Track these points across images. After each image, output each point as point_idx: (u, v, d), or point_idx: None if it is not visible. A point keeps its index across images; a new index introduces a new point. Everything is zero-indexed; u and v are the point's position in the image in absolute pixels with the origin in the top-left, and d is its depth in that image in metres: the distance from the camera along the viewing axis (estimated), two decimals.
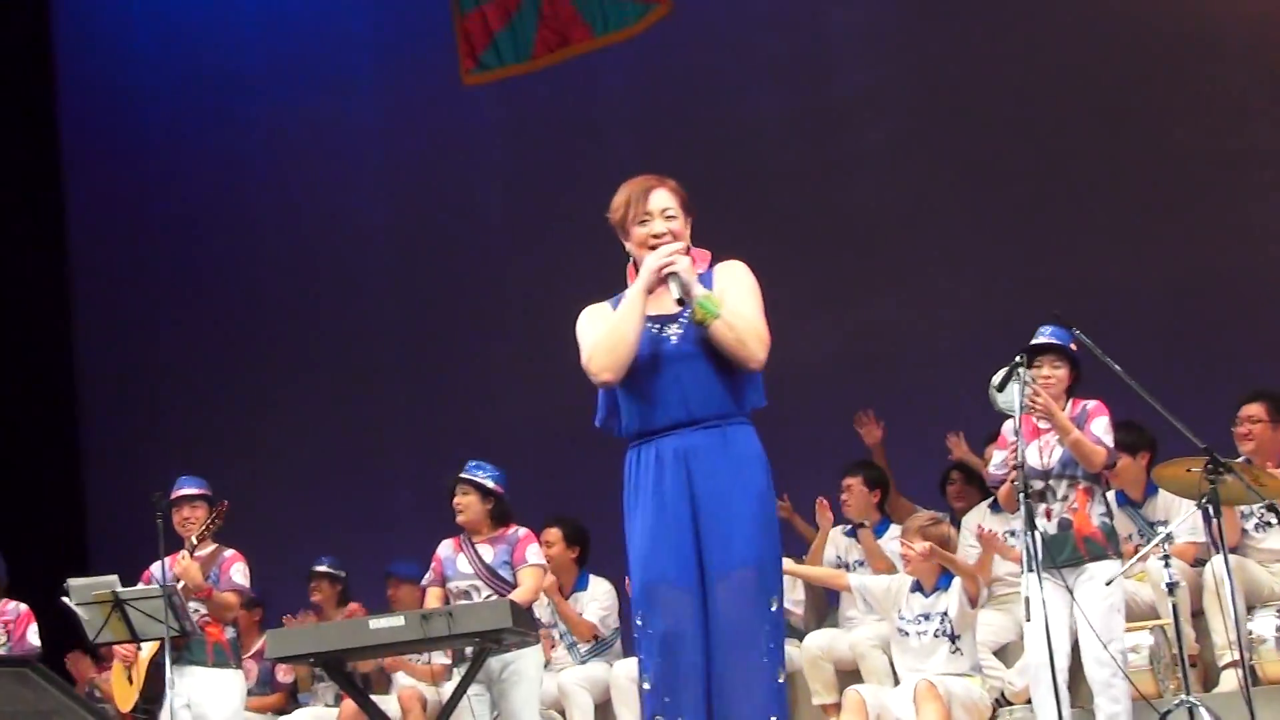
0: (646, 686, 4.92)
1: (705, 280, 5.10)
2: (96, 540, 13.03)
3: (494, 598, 8.10)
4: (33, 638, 9.03)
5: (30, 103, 13.71)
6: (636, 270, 5.13)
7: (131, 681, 8.89)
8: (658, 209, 5.12)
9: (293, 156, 13.30)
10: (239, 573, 8.76)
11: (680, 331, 5.05)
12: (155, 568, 8.69)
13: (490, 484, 8.48)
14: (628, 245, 5.19)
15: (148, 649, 8.69)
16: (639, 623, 4.97)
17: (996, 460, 7.73)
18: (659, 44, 12.10)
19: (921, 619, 8.23)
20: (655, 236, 5.10)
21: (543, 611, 9.48)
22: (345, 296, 13.03)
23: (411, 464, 12.36)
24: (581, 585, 9.75)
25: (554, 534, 9.61)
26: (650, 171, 5.25)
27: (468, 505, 8.47)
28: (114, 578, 8.50)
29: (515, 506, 8.64)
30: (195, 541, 8.63)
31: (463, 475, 8.54)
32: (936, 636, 8.16)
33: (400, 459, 12.55)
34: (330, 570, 10.55)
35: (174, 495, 8.81)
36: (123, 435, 13.30)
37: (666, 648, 4.88)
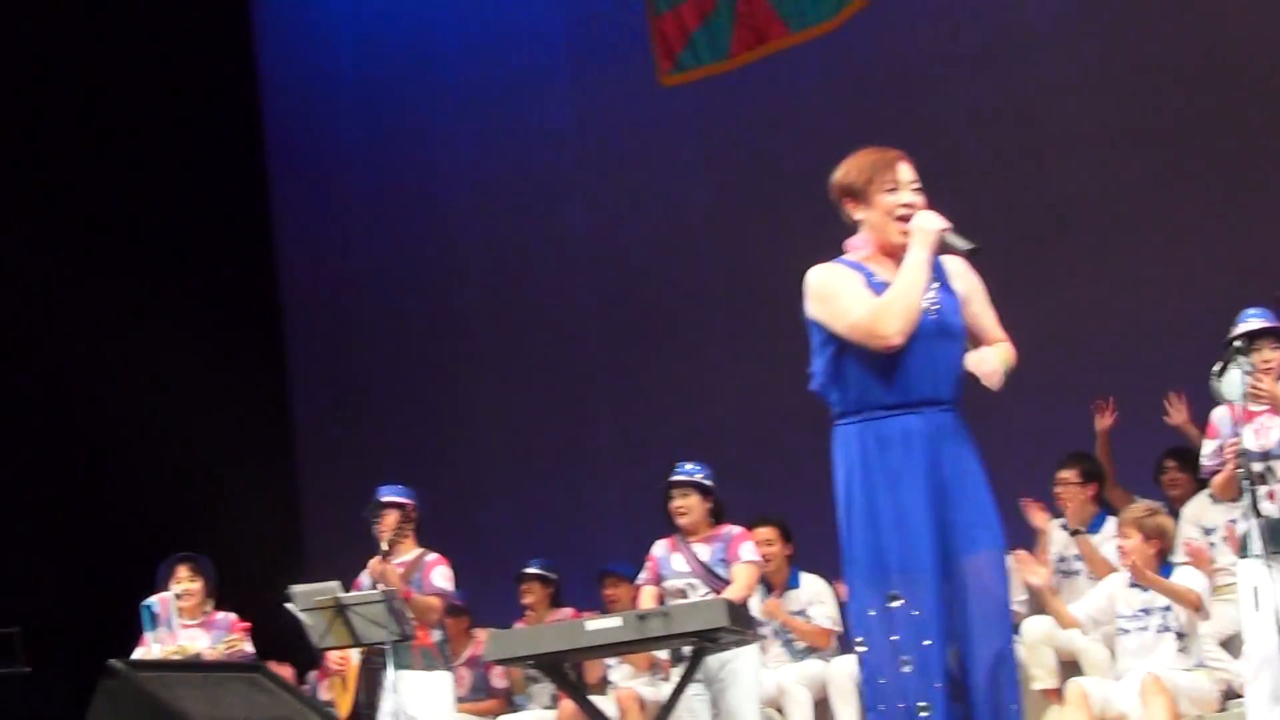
0: (908, 670, 4.76)
1: (935, 271, 5.01)
2: (312, 548, 13.26)
3: (710, 596, 8.10)
4: (248, 647, 9.20)
5: (236, 115, 14.00)
6: (867, 238, 5.02)
7: (347, 688, 9.04)
8: (906, 180, 5.01)
9: (489, 163, 13.43)
10: (441, 576, 8.86)
11: (937, 306, 4.95)
12: (364, 575, 8.84)
13: (709, 482, 8.48)
14: (859, 213, 5.05)
15: (357, 655, 8.82)
16: (892, 604, 4.80)
17: (1208, 450, 7.53)
18: (855, 37, 12.01)
19: (1141, 614, 8.07)
20: (905, 206, 4.98)
21: (756, 609, 9.45)
22: (548, 299, 13.12)
23: (618, 464, 12.42)
24: (793, 583, 9.72)
25: (771, 532, 9.58)
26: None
27: (690, 506, 8.46)
28: (336, 584, 8.64)
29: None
30: (386, 547, 8.74)
31: (680, 478, 8.51)
32: (1159, 632, 8.00)
33: (607, 459, 12.61)
34: (541, 572, 10.59)
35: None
36: (335, 445, 13.54)
37: (928, 629, 4.76)
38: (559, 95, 13.16)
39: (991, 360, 4.95)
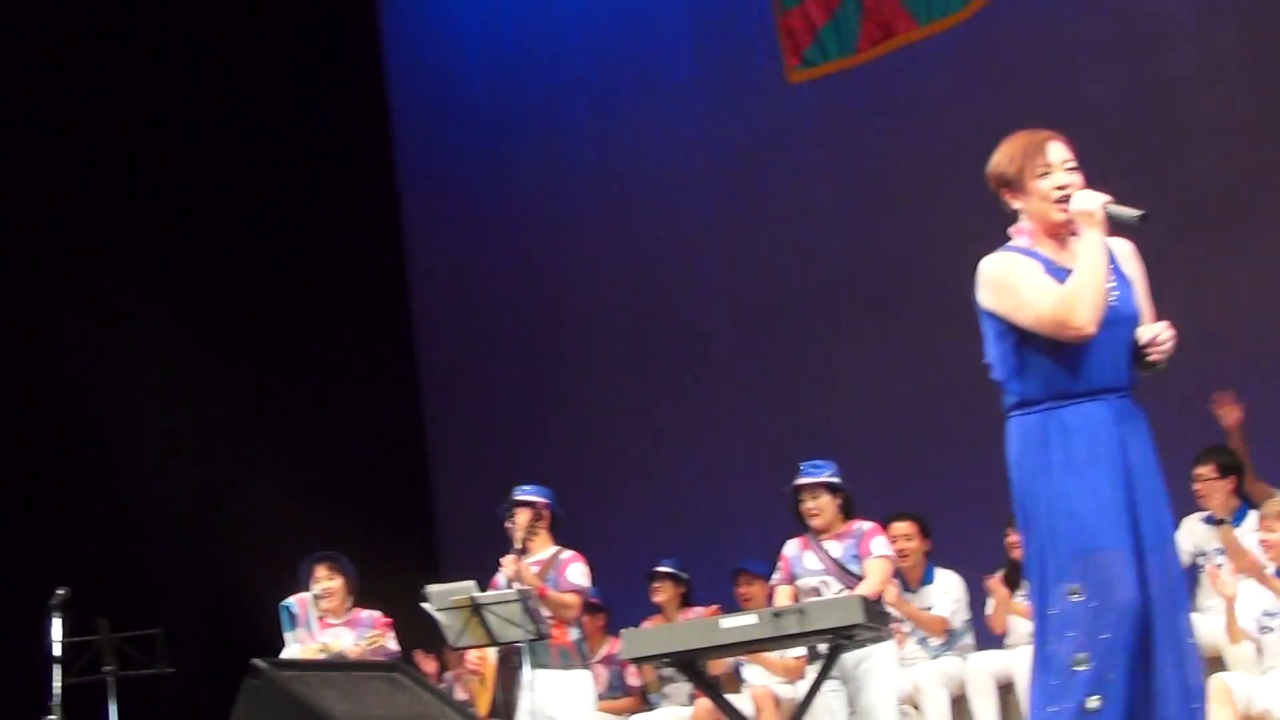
0: (1082, 667, 4.61)
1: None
2: (447, 549, 13.36)
3: (845, 593, 8.08)
4: (391, 644, 9.27)
5: (365, 121, 14.14)
6: (1030, 226, 4.94)
7: (485, 685, 9.10)
8: (1058, 160, 4.90)
9: (616, 164, 13.46)
10: (577, 573, 8.88)
11: (1118, 294, 4.86)
12: (501, 574, 8.89)
13: (837, 479, 8.45)
14: (1016, 202, 4.96)
15: (494, 654, 8.86)
16: (1072, 598, 4.67)
17: None
18: (983, 30, 11.93)
19: None
20: (1060, 188, 4.88)
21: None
22: (677, 298, 13.13)
23: (750, 462, 12.40)
24: (928, 579, 9.67)
25: (910, 527, 9.55)
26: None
27: (821, 508, 8.42)
28: (472, 583, 8.70)
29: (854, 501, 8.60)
30: (520, 545, 8.78)
31: (808, 480, 8.49)
32: None
33: (738, 457, 12.59)
34: (673, 571, 10.61)
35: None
36: (468, 445, 13.63)
37: (1119, 619, 4.62)
38: (685, 94, 13.16)
39: (1164, 332, 4.86)
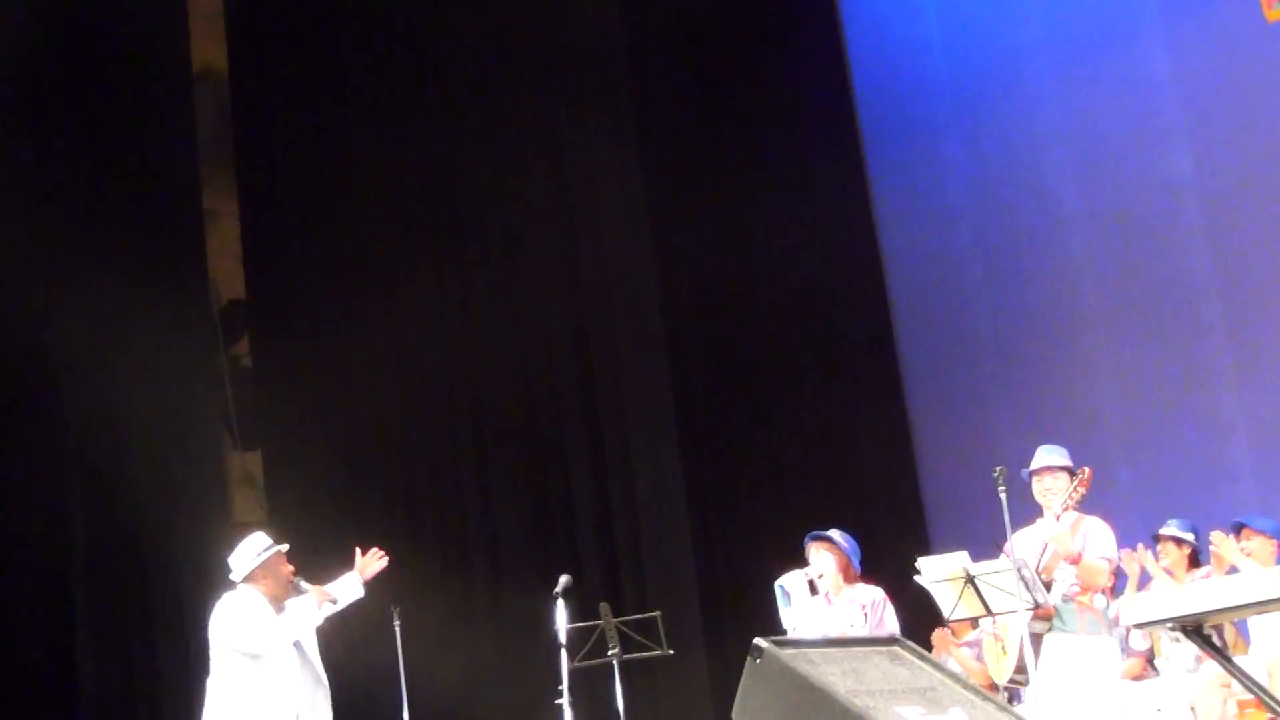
0: None
1: None
2: (935, 518, 13.27)
3: None
4: (891, 623, 9.24)
5: (827, 81, 14.13)
6: None
7: (1005, 652, 8.99)
8: None
9: (1085, 118, 13.08)
10: (1105, 540, 8.66)
11: None
12: (1017, 538, 8.70)
13: None
14: None
15: (1011, 621, 8.68)
16: None
17: None
18: None
19: None
20: None
21: None
22: (1154, 254, 12.67)
23: (1246, 411, 11.94)
24: None
25: None
26: None
27: None
28: (963, 554, 8.65)
29: None
30: (1060, 511, 8.59)
31: None
32: None
33: (1233, 408, 12.12)
34: (1178, 533, 10.28)
35: (1034, 467, 8.79)
36: (948, 418, 13.49)
37: None
38: (1155, 40, 12.69)
39: None
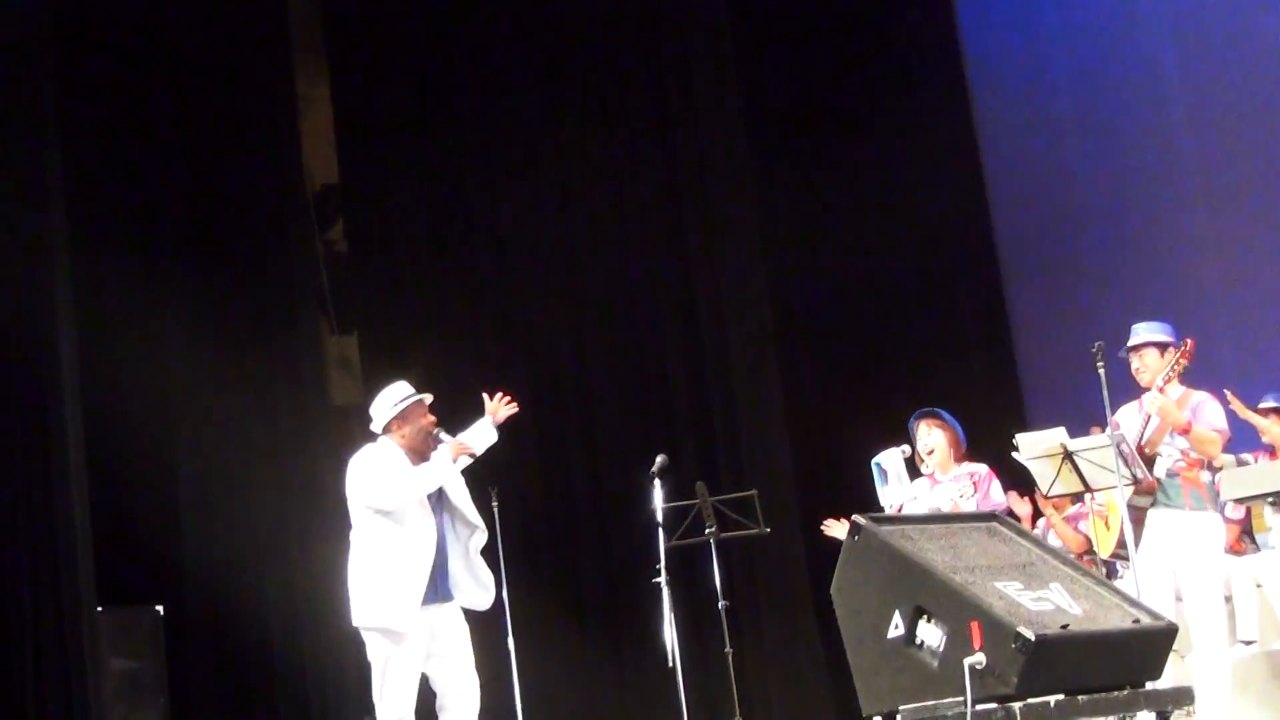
0: None
1: None
2: (1033, 394, 13.20)
3: None
4: (996, 494, 9.22)
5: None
6: None
7: (1109, 528, 8.96)
8: None
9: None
10: (1215, 413, 8.50)
11: None
12: (1121, 414, 8.61)
13: None
14: None
15: (1118, 495, 8.58)
16: None
17: None
18: None
19: None
20: None
21: None
22: (1266, 131, 12.35)
23: None
24: None
25: None
26: None
27: None
28: (1061, 430, 8.61)
29: None
30: (1162, 384, 8.43)
31: None
32: None
33: None
34: (1277, 405, 10.15)
35: (1132, 344, 8.67)
36: (1045, 290, 13.37)
37: None
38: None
39: None
